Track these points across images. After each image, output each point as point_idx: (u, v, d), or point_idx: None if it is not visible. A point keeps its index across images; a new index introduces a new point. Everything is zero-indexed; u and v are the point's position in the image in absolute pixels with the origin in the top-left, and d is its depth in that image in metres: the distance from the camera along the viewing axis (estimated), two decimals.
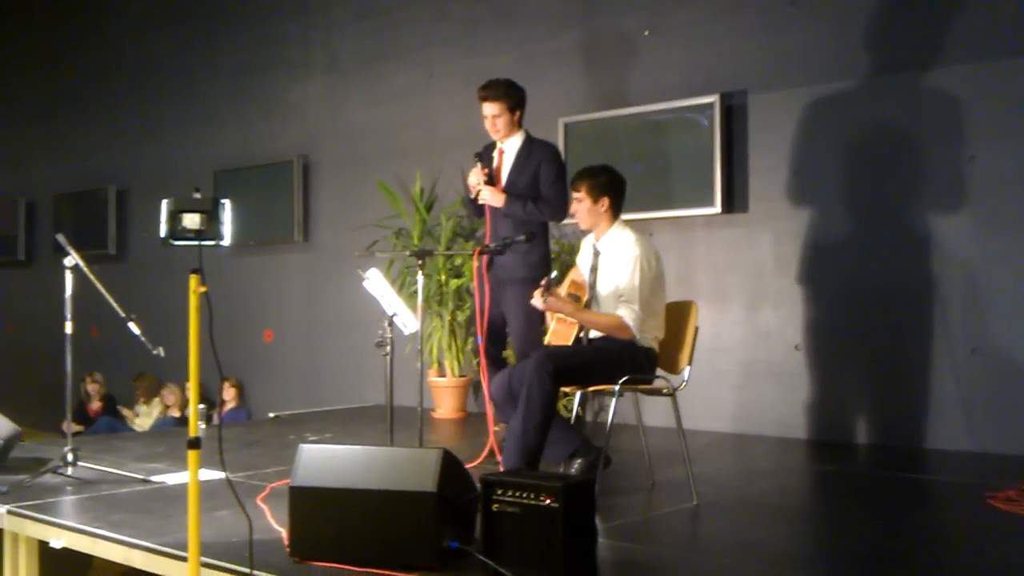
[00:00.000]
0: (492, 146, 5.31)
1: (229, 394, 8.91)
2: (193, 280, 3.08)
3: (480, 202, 5.20)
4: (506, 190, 5.19)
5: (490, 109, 5.17)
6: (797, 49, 6.19)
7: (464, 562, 3.20)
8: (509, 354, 5.61)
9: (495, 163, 5.28)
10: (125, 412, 9.41)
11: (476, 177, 5.17)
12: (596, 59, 7.14)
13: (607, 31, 7.07)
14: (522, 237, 4.89)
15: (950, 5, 5.66)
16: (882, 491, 4.99)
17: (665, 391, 4.44)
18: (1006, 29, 5.49)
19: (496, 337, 5.27)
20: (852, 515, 4.34)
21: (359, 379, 8.19)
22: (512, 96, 5.19)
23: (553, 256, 6.34)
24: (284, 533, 3.44)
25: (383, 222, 7.71)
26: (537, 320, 4.81)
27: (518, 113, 5.22)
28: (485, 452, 5.05)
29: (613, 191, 4.57)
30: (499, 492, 3.24)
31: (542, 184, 5.16)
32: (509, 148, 5.27)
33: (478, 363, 5.18)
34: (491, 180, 5.23)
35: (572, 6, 7.27)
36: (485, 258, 5.13)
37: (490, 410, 4.83)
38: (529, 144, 5.26)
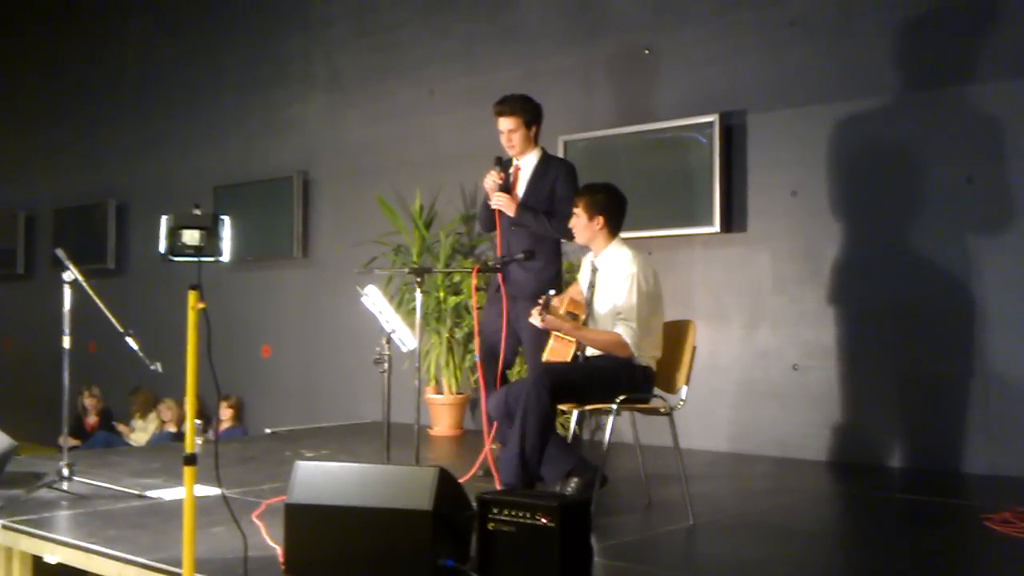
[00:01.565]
0: (509, 162, 5.26)
1: (226, 414, 8.89)
2: (192, 296, 3.08)
3: (492, 206, 5.15)
4: (521, 204, 5.16)
5: (505, 124, 5.11)
6: (796, 69, 6.21)
7: None
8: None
9: (511, 179, 5.21)
10: (121, 427, 9.39)
11: (491, 181, 5.10)
12: (596, 78, 7.17)
13: (608, 50, 7.10)
14: (521, 255, 4.89)
15: (947, 27, 5.69)
16: (879, 511, 4.98)
17: (662, 410, 4.43)
18: (1004, 51, 5.52)
19: (492, 356, 5.24)
20: (849, 536, 4.33)
21: (356, 396, 8.17)
22: (528, 111, 5.13)
23: None
24: (279, 550, 3.43)
25: (382, 238, 7.72)
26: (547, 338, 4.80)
27: (534, 129, 5.17)
28: (475, 469, 5.03)
29: (610, 209, 4.58)
30: (495, 511, 3.24)
31: (556, 200, 5.09)
32: (525, 165, 5.21)
33: (476, 380, 5.18)
34: (507, 189, 5.17)
35: (573, 25, 7.30)
36: (499, 275, 5.12)
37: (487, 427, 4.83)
38: (546, 161, 5.20)
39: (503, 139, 5.15)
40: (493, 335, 5.13)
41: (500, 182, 5.10)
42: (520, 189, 5.19)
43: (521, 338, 5.13)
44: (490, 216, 5.22)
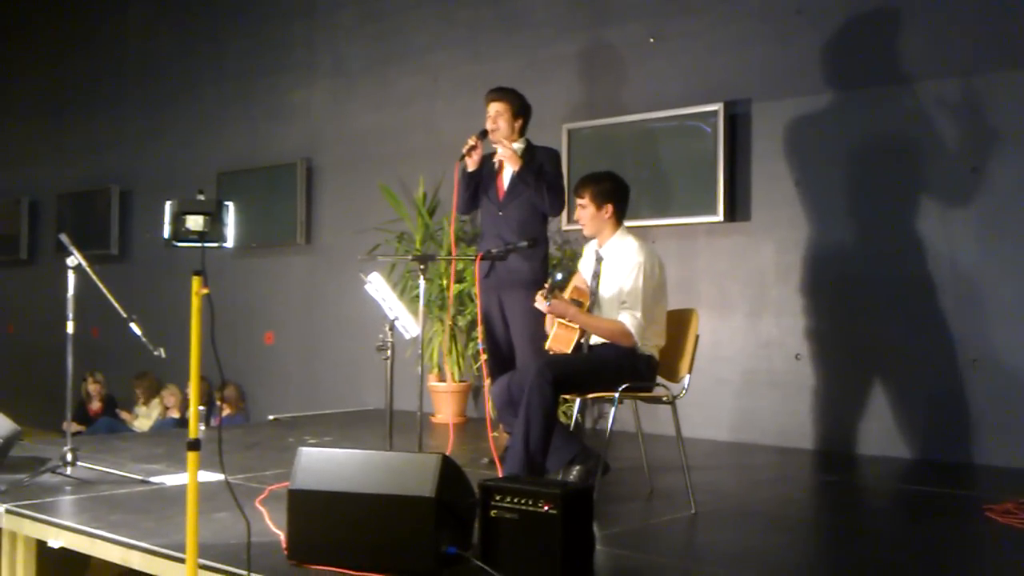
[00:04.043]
0: (493, 153, 5.35)
1: (229, 400, 8.86)
2: (195, 282, 3.08)
3: (498, 156, 5.24)
4: (507, 191, 5.23)
5: (494, 108, 5.28)
6: (801, 58, 6.19)
7: (462, 568, 3.19)
8: None
9: (496, 167, 5.32)
10: (124, 415, 9.40)
11: (467, 145, 5.20)
12: (601, 66, 7.15)
13: (612, 38, 7.08)
14: (524, 243, 4.90)
15: (954, 17, 5.67)
16: (881, 502, 4.99)
17: (665, 399, 4.43)
18: (1009, 41, 5.50)
19: (499, 358, 5.26)
20: (850, 526, 4.34)
21: (359, 383, 8.18)
22: (516, 101, 5.30)
23: (555, 261, 6.36)
24: (282, 536, 3.44)
25: (386, 226, 7.72)
26: (542, 324, 4.80)
27: (520, 121, 5.30)
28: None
29: (617, 198, 4.57)
30: (497, 498, 3.24)
31: (546, 179, 5.21)
32: None
33: (478, 368, 5.18)
34: (491, 174, 5.28)
35: (577, 13, 7.28)
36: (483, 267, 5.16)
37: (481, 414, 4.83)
38: (531, 148, 5.32)
39: (489, 123, 5.30)
40: (491, 324, 5.24)
41: (473, 143, 5.20)
42: (506, 174, 5.29)
43: (511, 325, 5.18)
44: (470, 198, 5.31)
